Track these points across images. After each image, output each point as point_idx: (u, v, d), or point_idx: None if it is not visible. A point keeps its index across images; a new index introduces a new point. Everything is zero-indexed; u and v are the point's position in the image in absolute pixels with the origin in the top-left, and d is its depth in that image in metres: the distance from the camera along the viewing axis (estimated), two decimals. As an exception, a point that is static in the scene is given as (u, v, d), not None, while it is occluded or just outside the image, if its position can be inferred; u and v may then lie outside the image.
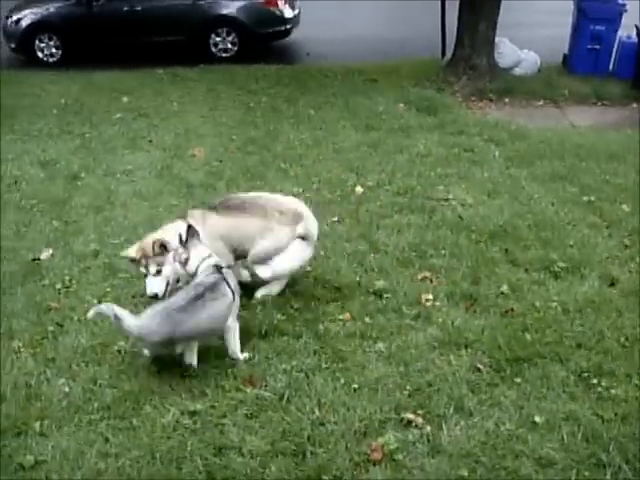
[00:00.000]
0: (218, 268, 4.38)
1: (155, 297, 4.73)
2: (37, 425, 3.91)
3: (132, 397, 4.07)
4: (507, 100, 10.52)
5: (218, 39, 14.02)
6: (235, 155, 8.00)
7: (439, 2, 12.76)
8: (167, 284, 4.78)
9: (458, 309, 4.94)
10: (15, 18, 14.27)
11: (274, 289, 5.11)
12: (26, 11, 14.30)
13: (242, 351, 4.41)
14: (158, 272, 4.74)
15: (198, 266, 4.41)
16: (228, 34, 14.01)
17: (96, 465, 3.64)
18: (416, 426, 3.85)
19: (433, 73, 11.52)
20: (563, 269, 5.39)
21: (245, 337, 4.58)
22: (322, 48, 14.17)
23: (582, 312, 4.84)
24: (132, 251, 4.86)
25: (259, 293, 5.09)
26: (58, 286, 5.33)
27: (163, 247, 4.72)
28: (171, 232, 4.79)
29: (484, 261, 5.54)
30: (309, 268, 5.44)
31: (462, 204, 6.61)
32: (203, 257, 4.44)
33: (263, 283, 5.08)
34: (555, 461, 3.61)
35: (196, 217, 4.94)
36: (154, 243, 4.73)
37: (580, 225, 6.16)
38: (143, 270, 4.78)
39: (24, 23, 14.18)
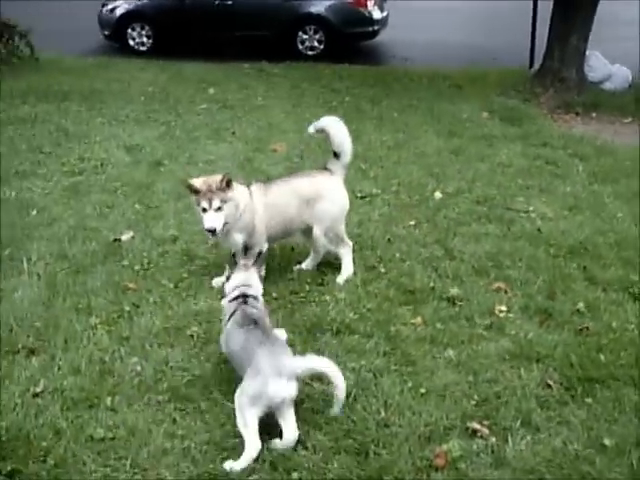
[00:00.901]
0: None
1: (212, 232, 4.83)
2: (108, 400, 4.01)
3: (201, 382, 4.14)
4: (594, 115, 10.27)
5: (305, 37, 14.17)
6: (316, 152, 8.02)
7: (531, 11, 12.62)
8: (225, 224, 4.85)
9: (532, 323, 4.85)
10: (110, 7, 14.73)
11: (349, 267, 5.34)
12: (121, 0, 14.71)
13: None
14: (219, 209, 4.80)
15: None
16: (315, 32, 14.14)
17: (162, 444, 3.70)
18: (481, 436, 3.80)
19: (520, 83, 11.39)
20: (643, 291, 5.25)
21: (316, 333, 4.64)
22: (408, 51, 14.14)
23: (660, 337, 4.70)
24: (197, 182, 4.89)
25: (341, 279, 5.26)
26: (136, 268, 5.46)
27: (229, 184, 4.84)
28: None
29: (561, 276, 5.44)
30: (383, 270, 5.45)
31: (542, 217, 6.50)
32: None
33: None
34: (623, 486, 3.53)
35: (258, 186, 5.16)
36: (223, 177, 4.82)
37: (664, 247, 5.98)
38: (204, 204, 4.80)
39: (118, 12, 14.63)
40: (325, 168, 5.42)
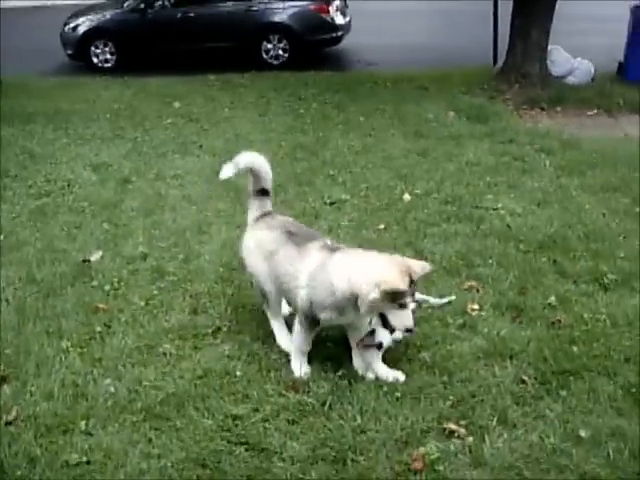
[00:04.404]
0: None
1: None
2: (83, 424, 3.96)
3: (176, 399, 4.10)
4: (559, 109, 10.33)
5: (269, 46, 14.18)
6: (284, 161, 8.02)
7: (492, 10, 12.73)
8: None
9: (504, 319, 4.86)
10: (72, 25, 14.66)
11: None
12: (83, 18, 14.69)
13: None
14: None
15: None
16: (279, 41, 14.17)
17: (139, 465, 3.67)
18: (458, 437, 3.80)
19: (484, 81, 11.47)
20: (613, 281, 5.26)
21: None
22: (372, 55, 14.21)
23: (631, 325, 4.72)
24: (399, 282, 3.90)
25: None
26: (107, 288, 5.41)
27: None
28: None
29: (532, 271, 5.46)
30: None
31: (511, 213, 6.53)
32: None
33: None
34: (600, 477, 3.52)
35: None
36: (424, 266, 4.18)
37: (632, 237, 6.01)
38: (408, 299, 4.02)
39: (81, 30, 14.55)
40: (267, 213, 4.71)
